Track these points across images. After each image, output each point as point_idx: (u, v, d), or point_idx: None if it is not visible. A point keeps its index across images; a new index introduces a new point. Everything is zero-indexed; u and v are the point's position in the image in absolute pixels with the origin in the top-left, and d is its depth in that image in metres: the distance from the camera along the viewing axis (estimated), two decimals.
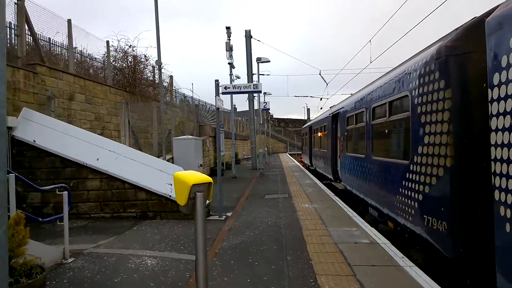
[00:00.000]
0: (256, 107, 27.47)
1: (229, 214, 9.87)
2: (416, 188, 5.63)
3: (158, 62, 10.69)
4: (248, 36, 25.42)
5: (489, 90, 3.69)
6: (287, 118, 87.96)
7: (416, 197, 5.62)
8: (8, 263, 3.36)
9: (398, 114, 6.72)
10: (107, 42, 15.86)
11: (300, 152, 41.74)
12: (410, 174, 5.88)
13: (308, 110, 67.06)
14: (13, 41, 10.78)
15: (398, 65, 7.28)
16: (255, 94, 26.06)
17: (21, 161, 9.02)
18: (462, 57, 4.70)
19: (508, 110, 3.38)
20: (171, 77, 22.93)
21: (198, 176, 3.61)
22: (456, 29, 5.04)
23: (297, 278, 5.06)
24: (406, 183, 6.04)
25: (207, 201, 10.03)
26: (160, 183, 9.17)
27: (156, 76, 20.43)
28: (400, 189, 6.32)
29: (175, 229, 8.14)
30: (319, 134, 19.00)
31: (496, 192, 3.54)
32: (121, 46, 17.34)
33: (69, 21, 13.13)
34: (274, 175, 21.02)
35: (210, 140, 22.52)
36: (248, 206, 10.94)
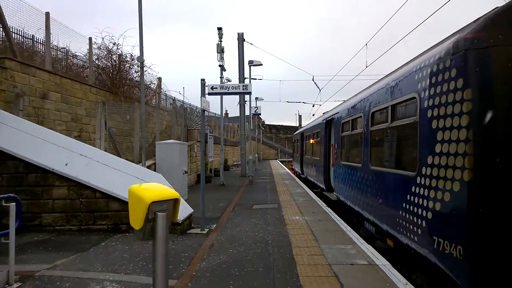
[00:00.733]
0: (247, 112, 26.69)
1: (212, 226, 9.02)
2: (424, 205, 4.84)
3: (140, 58, 9.84)
4: (241, 39, 24.73)
5: None
6: (279, 125, 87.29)
7: (424, 214, 4.83)
8: None
9: (402, 119, 5.95)
10: (90, 38, 14.96)
11: (291, 159, 40.97)
12: (417, 188, 5.10)
13: (300, 117, 66.58)
14: None
15: (403, 65, 6.52)
16: (246, 99, 25.35)
17: None
18: (485, 51, 3.94)
19: None
20: (159, 78, 22.05)
21: (161, 191, 2.78)
22: (477, 19, 4.28)
23: None
24: (412, 197, 5.26)
25: (190, 211, 9.23)
26: None
27: (145, 77, 19.59)
28: (404, 204, 5.54)
29: (149, 245, 7.24)
30: (311, 141, 18.23)
31: None
32: (105, 44, 16.45)
33: (47, 14, 12.25)
34: (263, 183, 20.21)
35: (198, 145, 21.63)
36: (234, 218, 10.10)
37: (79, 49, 15.43)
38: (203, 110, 8.62)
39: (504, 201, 3.79)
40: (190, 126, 20.48)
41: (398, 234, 5.83)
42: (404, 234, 5.58)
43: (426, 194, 4.82)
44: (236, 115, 28.09)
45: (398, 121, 6.09)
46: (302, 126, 44.91)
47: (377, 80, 8.40)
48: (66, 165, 8.29)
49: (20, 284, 4.94)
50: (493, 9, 4.19)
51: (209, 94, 8.89)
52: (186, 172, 13.57)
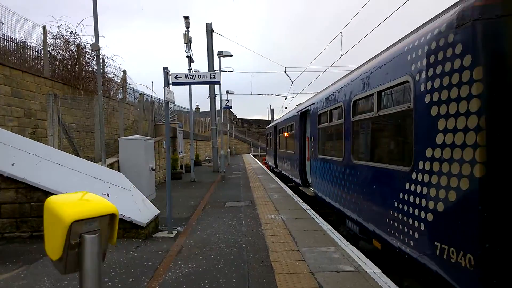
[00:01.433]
0: (218, 107, 25.78)
1: (181, 228, 8.22)
2: (422, 205, 4.20)
3: (95, 45, 8.79)
4: (210, 29, 23.79)
5: None
6: (251, 119, 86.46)
7: (423, 216, 4.20)
8: None
9: (391, 107, 5.29)
10: (44, 27, 13.67)
11: (264, 153, 40.33)
12: (412, 185, 4.46)
13: (272, 110, 66.24)
14: None
15: (388, 47, 5.86)
16: (217, 92, 24.46)
17: None
18: (498, 21, 3.31)
19: None
20: (124, 71, 20.82)
21: (90, 204, 1.99)
22: None
23: None
24: (406, 196, 4.62)
25: (156, 213, 8.36)
26: (94, 194, 7.37)
27: (107, 70, 18.39)
28: (396, 204, 4.90)
29: (109, 252, 6.39)
30: (285, 134, 17.57)
31: None
32: (62, 33, 15.15)
33: None
34: (236, 178, 19.44)
35: None
36: (205, 218, 9.31)
37: (34, 39, 14.15)
38: (167, 102, 7.75)
39: None
40: (158, 121, 19.43)
41: (388, 236, 5.21)
42: (395, 237, 4.96)
43: (424, 192, 4.18)
44: (208, 110, 27.13)
45: (386, 110, 5.44)
46: (274, 119, 44.38)
47: (357, 66, 7.75)
48: (12, 165, 7.25)
49: None
50: None
51: (173, 84, 8.02)
52: (153, 169, 12.64)
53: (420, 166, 4.25)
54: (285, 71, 27.17)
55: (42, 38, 13.81)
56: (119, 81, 20.16)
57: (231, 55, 21.56)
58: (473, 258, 3.37)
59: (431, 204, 4.02)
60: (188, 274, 5.33)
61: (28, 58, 14.13)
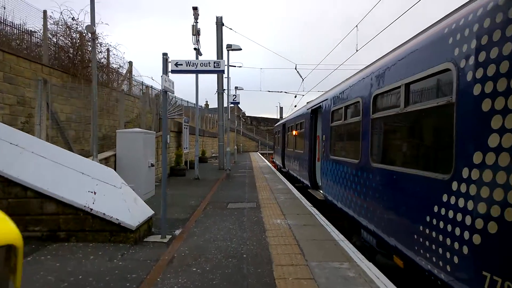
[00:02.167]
0: (226, 104, 25.02)
1: (177, 232, 7.47)
2: (467, 223, 3.35)
3: (90, 28, 8.03)
4: (220, 23, 23.06)
5: None
6: (260, 117, 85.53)
7: (466, 237, 3.35)
8: None
9: (424, 102, 4.43)
10: (44, 12, 12.97)
11: (272, 152, 39.49)
12: (452, 197, 3.60)
13: (281, 109, 65.30)
14: None
15: (418, 33, 5.00)
16: (225, 87, 23.71)
17: None
18: None
19: None
20: (130, 63, 20.10)
21: None
22: None
23: None
24: (442, 210, 3.77)
25: (149, 214, 7.57)
26: (79, 191, 6.62)
27: (111, 59, 17.68)
28: (428, 218, 4.05)
29: (90, 260, 5.62)
30: (294, 132, 16.71)
31: None
32: (64, 19, 14.43)
33: None
34: (242, 177, 18.64)
35: (172, 136, 19.92)
36: (204, 220, 8.53)
37: (35, 26, 13.48)
38: (165, 91, 6.97)
39: None
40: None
41: (416, 255, 4.36)
42: (425, 257, 4.11)
43: (469, 207, 3.32)
44: (217, 106, 26.36)
45: (417, 105, 4.56)
46: (283, 118, 43.53)
47: (377, 58, 6.88)
48: None
49: None
50: None
51: (173, 72, 7.24)
52: (153, 165, 11.89)
53: (465, 174, 3.40)
54: (295, 68, 26.30)
55: (42, 23, 13.13)
56: (124, 72, 19.47)
57: (240, 49, 20.75)
58: None
59: (479, 224, 3.17)
60: None
61: (30, 44, 13.49)
